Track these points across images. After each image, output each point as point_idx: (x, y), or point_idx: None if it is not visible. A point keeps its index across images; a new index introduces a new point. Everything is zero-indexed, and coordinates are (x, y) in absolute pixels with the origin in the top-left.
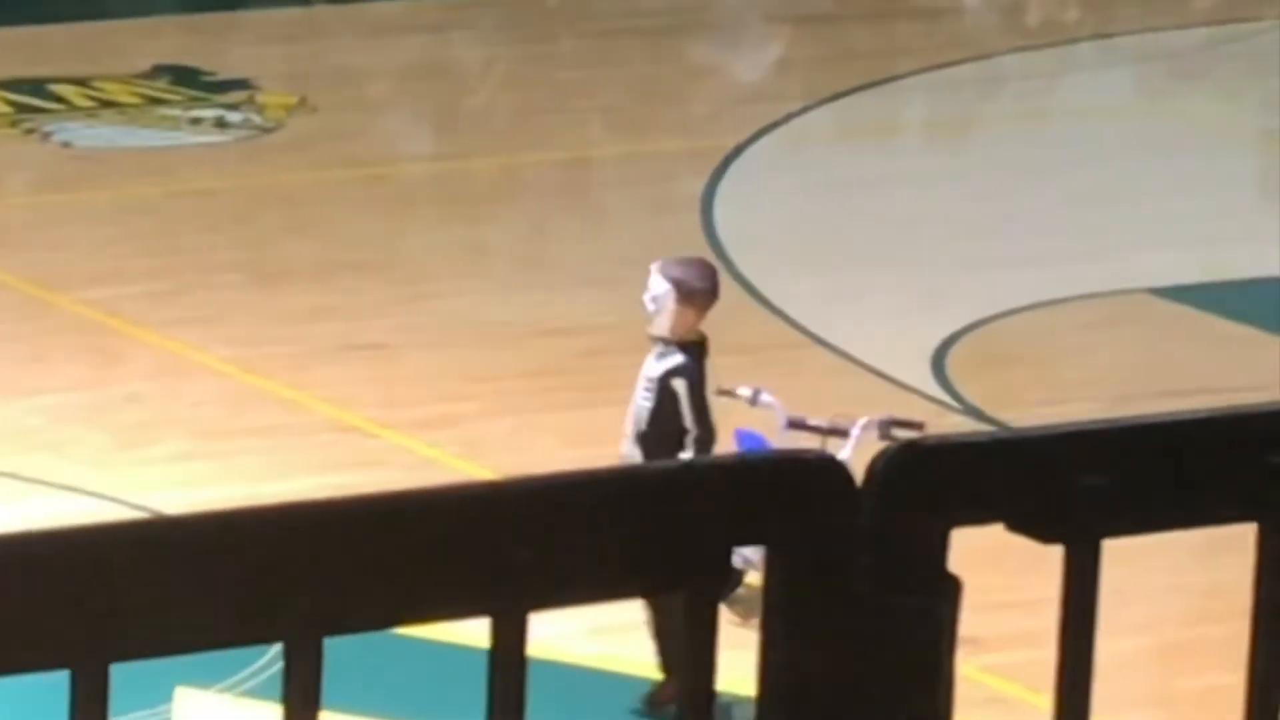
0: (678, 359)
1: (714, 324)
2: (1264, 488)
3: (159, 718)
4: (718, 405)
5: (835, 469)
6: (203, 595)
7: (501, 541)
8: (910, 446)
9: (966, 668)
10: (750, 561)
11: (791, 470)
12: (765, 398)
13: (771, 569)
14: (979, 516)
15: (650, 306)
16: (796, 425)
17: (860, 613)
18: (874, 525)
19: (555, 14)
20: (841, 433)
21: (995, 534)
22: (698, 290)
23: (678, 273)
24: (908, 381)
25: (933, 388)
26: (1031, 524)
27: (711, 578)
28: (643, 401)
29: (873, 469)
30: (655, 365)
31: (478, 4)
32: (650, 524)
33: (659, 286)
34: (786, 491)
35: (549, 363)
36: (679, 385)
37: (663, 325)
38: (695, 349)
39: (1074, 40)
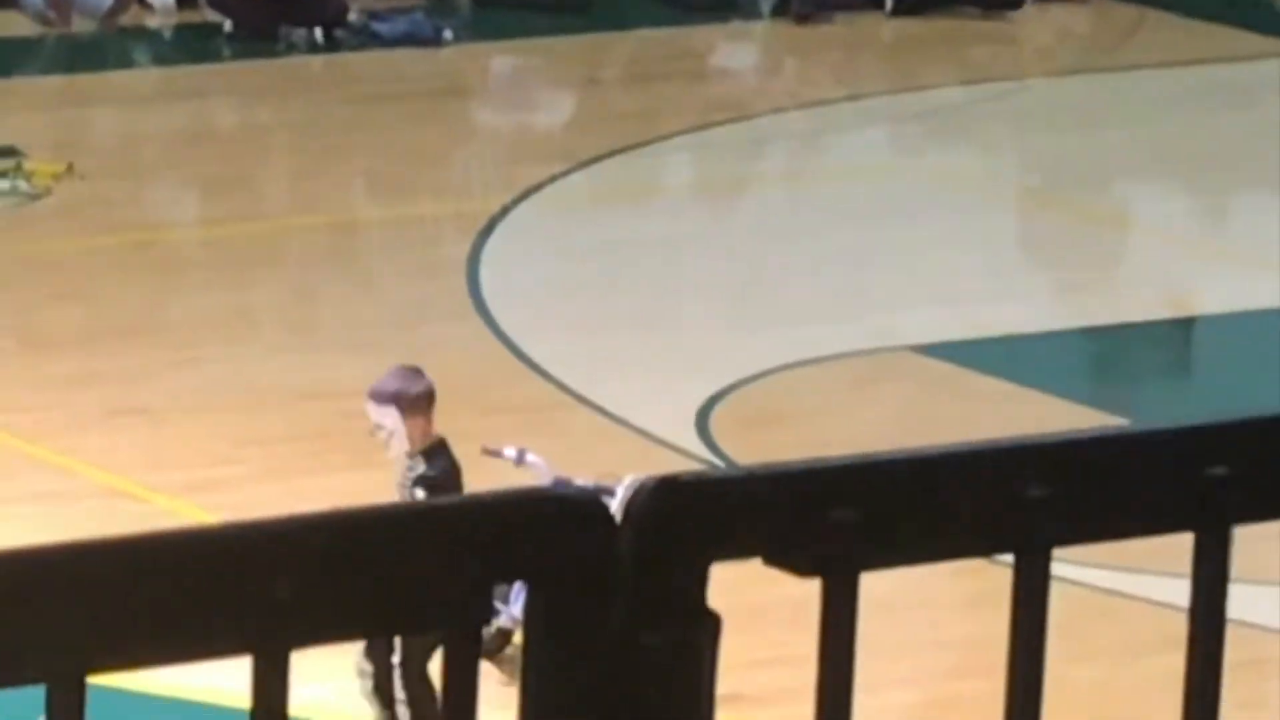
0: (420, 469)
1: (481, 384)
2: (1018, 520)
3: None
4: (484, 465)
5: (593, 505)
6: None
7: (261, 579)
8: (667, 481)
9: None
10: (518, 620)
11: (550, 506)
12: (531, 458)
13: (531, 606)
14: (736, 551)
15: (382, 436)
16: (563, 486)
17: (620, 649)
18: (632, 560)
19: (318, 79)
20: (607, 492)
21: (758, 591)
22: (418, 396)
23: (392, 388)
24: (672, 441)
25: (697, 447)
26: (787, 557)
27: (471, 614)
28: None
29: (630, 504)
30: (405, 475)
31: (241, 70)
32: (410, 561)
33: (380, 414)
34: (545, 527)
35: (317, 426)
36: (419, 496)
37: (401, 446)
38: (439, 452)
39: (832, 101)
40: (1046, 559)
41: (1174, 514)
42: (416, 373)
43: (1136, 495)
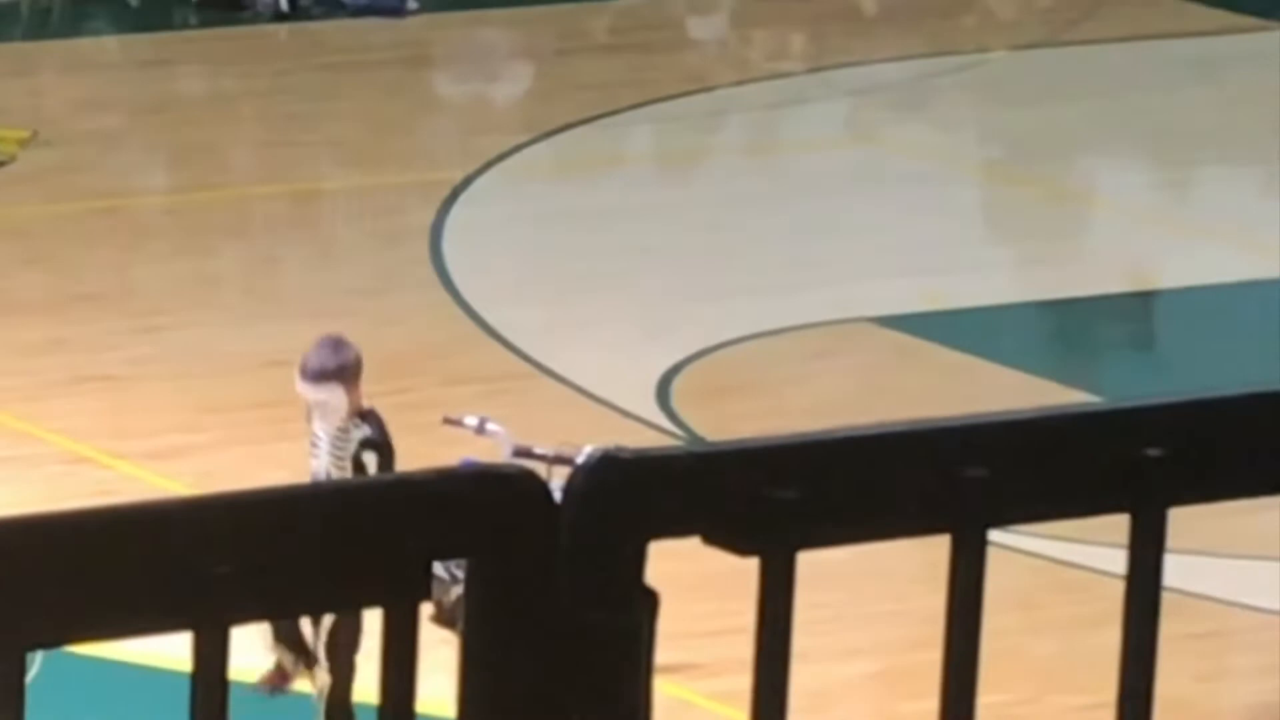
0: (364, 431)
1: (443, 353)
2: (956, 500)
3: None
4: (445, 434)
5: (534, 483)
6: None
7: (202, 555)
8: (607, 459)
9: (688, 693)
10: None
11: (491, 484)
12: (491, 426)
13: (471, 584)
14: (675, 529)
15: (319, 413)
16: (522, 454)
17: (558, 627)
18: (572, 538)
19: (284, 47)
20: (567, 461)
21: (716, 560)
22: (356, 363)
23: (335, 363)
24: (633, 411)
25: (658, 417)
26: (726, 536)
27: (412, 591)
28: (334, 471)
29: (570, 482)
30: (340, 440)
31: (207, 38)
32: (351, 538)
33: (324, 391)
34: (486, 505)
35: (280, 393)
36: (369, 459)
37: (335, 419)
38: (372, 416)
39: (792, 74)
40: (982, 539)
41: (1111, 494)
42: (342, 341)
43: (1072, 475)
